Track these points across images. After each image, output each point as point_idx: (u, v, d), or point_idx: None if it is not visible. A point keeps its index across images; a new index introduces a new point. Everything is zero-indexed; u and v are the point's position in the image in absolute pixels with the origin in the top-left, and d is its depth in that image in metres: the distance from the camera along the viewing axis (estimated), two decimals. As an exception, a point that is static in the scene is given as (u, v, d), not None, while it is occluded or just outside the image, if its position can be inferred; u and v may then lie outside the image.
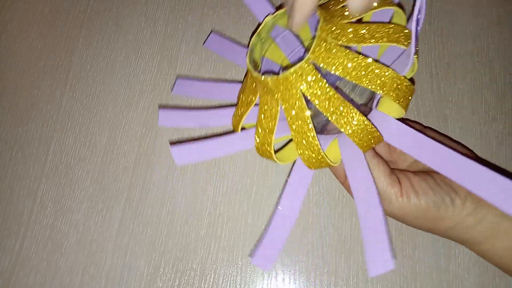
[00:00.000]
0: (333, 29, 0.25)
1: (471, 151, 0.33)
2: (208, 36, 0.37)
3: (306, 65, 0.24)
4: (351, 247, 0.33)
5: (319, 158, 0.26)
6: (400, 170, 0.28)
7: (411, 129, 0.24)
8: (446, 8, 0.38)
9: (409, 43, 0.25)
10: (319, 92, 0.24)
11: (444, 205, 0.25)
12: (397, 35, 0.25)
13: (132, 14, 0.40)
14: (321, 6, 0.27)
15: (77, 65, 0.39)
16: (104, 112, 0.38)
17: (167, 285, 0.33)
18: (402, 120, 0.26)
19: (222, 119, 0.31)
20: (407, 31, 0.26)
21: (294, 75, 0.24)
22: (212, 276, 0.33)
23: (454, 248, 0.33)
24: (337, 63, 0.24)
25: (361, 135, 0.24)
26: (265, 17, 0.30)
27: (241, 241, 0.34)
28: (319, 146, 0.25)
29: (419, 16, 0.24)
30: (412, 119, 0.35)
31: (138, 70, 0.39)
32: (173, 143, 0.36)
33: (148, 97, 0.38)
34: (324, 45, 0.24)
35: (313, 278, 0.33)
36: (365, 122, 0.24)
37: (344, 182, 0.30)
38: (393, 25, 0.25)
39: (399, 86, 0.24)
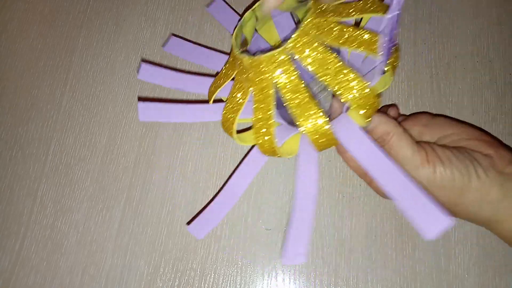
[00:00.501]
0: (319, 25, 0.24)
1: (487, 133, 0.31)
2: (167, 40, 0.35)
3: (281, 54, 0.24)
4: (351, 247, 0.33)
5: (272, 147, 0.26)
6: (425, 142, 0.28)
7: (369, 141, 0.24)
8: (446, 8, 0.38)
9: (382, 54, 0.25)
10: (288, 86, 0.24)
11: (469, 175, 0.25)
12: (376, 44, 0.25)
13: (132, 14, 0.40)
14: None
15: (77, 65, 0.39)
16: (104, 112, 0.38)
17: (167, 285, 0.33)
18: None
19: (201, 87, 0.31)
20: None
21: (266, 61, 0.24)
22: (212, 276, 0.33)
23: (454, 248, 0.33)
24: (313, 60, 0.24)
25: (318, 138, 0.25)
26: None
27: (241, 241, 0.34)
28: (274, 137, 0.25)
29: (391, 28, 0.24)
30: (412, 110, 0.35)
31: (138, 70, 0.39)
32: (141, 99, 0.35)
33: (148, 97, 0.38)
34: (305, 39, 0.24)
35: (313, 278, 0.33)
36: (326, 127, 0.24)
37: (365, 175, 0.30)
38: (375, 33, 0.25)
39: (366, 99, 0.24)
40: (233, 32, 0.29)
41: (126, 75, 0.39)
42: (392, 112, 0.31)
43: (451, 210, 0.27)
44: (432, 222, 0.21)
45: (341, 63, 0.24)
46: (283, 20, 0.33)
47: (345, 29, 0.24)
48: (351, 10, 0.25)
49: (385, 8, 0.25)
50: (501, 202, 0.25)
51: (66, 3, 0.41)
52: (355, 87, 0.23)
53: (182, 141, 0.36)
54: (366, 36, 0.24)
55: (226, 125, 0.28)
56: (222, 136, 0.36)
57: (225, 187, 0.29)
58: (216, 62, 0.33)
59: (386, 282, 0.32)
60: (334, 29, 0.24)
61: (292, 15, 0.33)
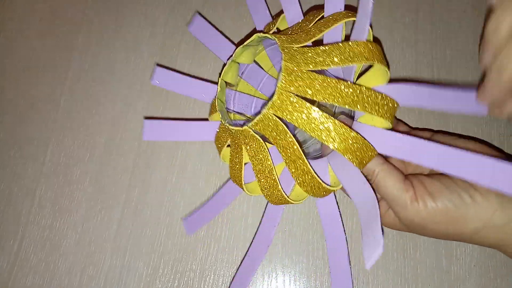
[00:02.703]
0: (296, 80, 0.24)
1: (490, 145, 0.30)
2: (192, 19, 0.35)
3: (250, 129, 0.25)
4: (351, 248, 0.33)
5: (281, 197, 0.27)
6: (413, 174, 0.26)
7: (401, 135, 0.24)
8: (448, 7, 0.38)
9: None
10: (282, 151, 0.25)
11: (464, 204, 0.23)
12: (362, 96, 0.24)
13: (132, 14, 0.40)
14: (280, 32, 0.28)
15: (77, 64, 0.39)
16: (103, 112, 0.38)
17: (166, 286, 0.33)
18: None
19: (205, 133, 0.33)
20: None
21: (245, 133, 0.25)
22: (211, 277, 0.33)
23: (456, 249, 0.32)
24: (295, 117, 0.23)
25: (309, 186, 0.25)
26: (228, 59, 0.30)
27: (241, 242, 0.34)
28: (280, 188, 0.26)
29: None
30: (414, 119, 0.35)
31: (138, 70, 0.38)
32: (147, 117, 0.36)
33: (147, 97, 0.38)
34: (284, 96, 0.23)
35: (313, 279, 0.33)
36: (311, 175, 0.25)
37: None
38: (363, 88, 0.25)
39: (356, 148, 0.24)
40: (215, 98, 0.30)
41: (126, 75, 0.38)
42: (399, 129, 0.31)
43: (456, 238, 0.25)
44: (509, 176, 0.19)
45: (322, 115, 0.23)
46: (252, 72, 0.34)
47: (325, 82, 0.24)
48: (330, 59, 0.24)
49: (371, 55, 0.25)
50: (507, 225, 0.23)
51: (65, 3, 0.41)
52: (336, 137, 0.23)
53: (181, 142, 0.36)
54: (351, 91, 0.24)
55: (234, 176, 0.29)
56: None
57: (223, 188, 0.30)
58: (208, 93, 0.34)
59: (387, 283, 0.32)
60: (315, 82, 0.24)
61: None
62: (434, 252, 0.32)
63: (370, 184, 0.25)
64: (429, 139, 0.27)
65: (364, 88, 0.24)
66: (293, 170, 0.25)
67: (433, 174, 0.26)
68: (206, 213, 0.32)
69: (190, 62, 0.38)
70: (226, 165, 0.35)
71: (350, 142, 0.23)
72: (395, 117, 0.34)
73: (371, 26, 0.26)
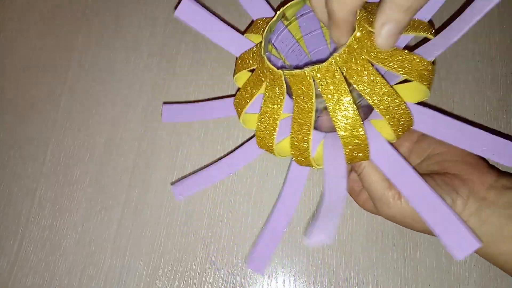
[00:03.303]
0: (362, 44, 0.24)
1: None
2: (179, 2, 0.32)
3: (332, 66, 0.23)
4: (351, 248, 0.33)
5: (306, 157, 0.26)
6: None
7: (397, 156, 0.25)
8: (448, 7, 0.38)
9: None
10: (331, 89, 0.24)
11: None
12: (421, 69, 0.24)
13: (132, 13, 0.40)
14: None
15: (77, 64, 0.39)
16: (103, 112, 0.38)
17: (166, 286, 0.33)
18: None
19: (224, 111, 0.32)
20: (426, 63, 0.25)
21: (323, 72, 0.23)
22: (211, 277, 0.33)
23: (456, 249, 0.32)
24: (357, 78, 0.23)
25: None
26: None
27: (241, 242, 0.34)
28: (309, 147, 0.25)
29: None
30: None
31: (138, 70, 0.38)
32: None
33: (147, 97, 0.38)
34: (353, 55, 0.23)
35: (313, 279, 0.33)
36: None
37: (357, 197, 0.30)
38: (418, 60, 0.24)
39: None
40: (262, 38, 0.28)
41: (126, 75, 0.38)
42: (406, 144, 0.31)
43: (430, 233, 0.26)
44: (462, 244, 0.22)
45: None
46: (308, 22, 0.32)
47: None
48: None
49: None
50: (479, 229, 0.25)
51: (65, 2, 0.41)
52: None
53: (181, 141, 0.36)
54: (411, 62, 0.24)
55: (262, 137, 0.28)
56: (221, 136, 0.36)
57: (221, 161, 0.30)
58: (221, 110, 0.33)
59: (387, 283, 0.32)
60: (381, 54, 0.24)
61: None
62: (434, 252, 0.32)
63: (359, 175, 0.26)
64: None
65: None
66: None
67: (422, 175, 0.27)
68: (198, 180, 0.31)
69: (190, 62, 0.38)
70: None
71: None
72: None
73: None
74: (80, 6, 0.41)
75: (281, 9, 0.28)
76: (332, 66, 0.23)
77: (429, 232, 0.26)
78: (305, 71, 0.23)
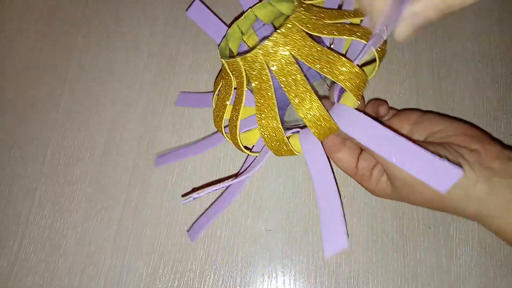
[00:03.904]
0: (303, 19, 0.26)
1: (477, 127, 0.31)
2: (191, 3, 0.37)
3: (272, 43, 0.25)
4: (351, 248, 0.33)
5: (281, 138, 0.27)
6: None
7: (367, 118, 0.24)
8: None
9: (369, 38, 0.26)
10: (284, 69, 0.25)
11: None
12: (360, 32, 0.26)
13: (131, 13, 0.40)
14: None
15: (77, 64, 0.39)
16: (103, 112, 0.38)
17: (166, 286, 0.33)
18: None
19: (216, 142, 0.34)
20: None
21: (262, 52, 0.25)
22: (211, 277, 0.33)
23: (456, 249, 0.32)
24: (299, 50, 0.25)
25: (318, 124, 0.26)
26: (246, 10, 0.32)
27: (241, 242, 0.34)
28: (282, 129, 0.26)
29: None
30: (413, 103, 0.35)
31: (138, 70, 0.38)
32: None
33: (147, 97, 0.38)
34: (291, 31, 0.25)
35: (313, 279, 0.33)
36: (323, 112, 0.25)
37: (369, 182, 0.29)
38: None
39: (355, 77, 0.25)
40: (219, 45, 0.31)
41: (126, 75, 0.38)
42: (382, 110, 0.31)
43: (439, 206, 0.26)
44: (445, 176, 0.21)
45: (325, 48, 0.25)
46: (266, 32, 0.35)
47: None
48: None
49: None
50: (487, 198, 0.24)
51: (65, 2, 0.41)
52: (343, 67, 0.24)
53: (181, 141, 0.36)
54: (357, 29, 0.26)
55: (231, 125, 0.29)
56: (222, 136, 0.36)
57: (222, 196, 0.31)
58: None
59: (387, 283, 0.32)
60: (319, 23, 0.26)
61: (274, 26, 0.35)
62: (434, 252, 0.32)
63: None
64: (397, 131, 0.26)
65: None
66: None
67: (431, 143, 0.27)
68: (180, 153, 0.34)
69: (190, 62, 0.38)
70: (226, 165, 0.35)
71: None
72: (379, 99, 0.35)
73: None
74: (80, 6, 0.41)
75: (248, 11, 0.32)
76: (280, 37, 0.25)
77: (435, 204, 0.26)
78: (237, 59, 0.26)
